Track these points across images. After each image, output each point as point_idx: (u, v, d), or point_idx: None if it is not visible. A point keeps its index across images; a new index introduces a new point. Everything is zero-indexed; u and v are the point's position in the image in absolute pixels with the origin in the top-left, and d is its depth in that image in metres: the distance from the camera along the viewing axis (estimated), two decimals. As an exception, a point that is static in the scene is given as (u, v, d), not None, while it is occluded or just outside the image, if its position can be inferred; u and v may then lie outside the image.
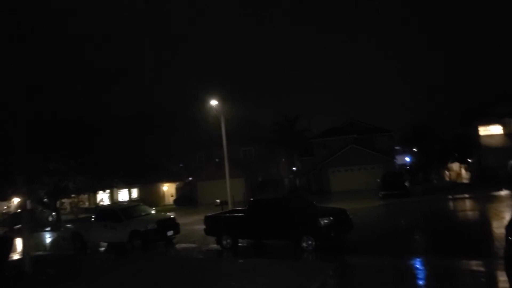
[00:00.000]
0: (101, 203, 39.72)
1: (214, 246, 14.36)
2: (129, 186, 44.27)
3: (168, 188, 49.16)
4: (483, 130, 36.03)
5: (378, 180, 29.38)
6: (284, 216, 12.58)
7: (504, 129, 36.07)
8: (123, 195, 44.61)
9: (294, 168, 47.27)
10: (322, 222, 11.82)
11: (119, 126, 39.79)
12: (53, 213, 30.93)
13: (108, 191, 41.56)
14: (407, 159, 54.91)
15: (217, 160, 36.68)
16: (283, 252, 12.67)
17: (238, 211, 15.17)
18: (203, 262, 12.11)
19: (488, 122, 36.14)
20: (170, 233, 15.94)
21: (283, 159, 49.00)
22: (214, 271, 10.20)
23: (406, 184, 27.76)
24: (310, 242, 11.96)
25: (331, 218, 12.05)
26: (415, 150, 46.93)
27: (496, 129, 36.23)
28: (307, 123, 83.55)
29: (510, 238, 5.61)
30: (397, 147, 52.49)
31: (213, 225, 14.49)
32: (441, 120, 40.68)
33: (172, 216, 17.21)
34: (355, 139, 41.44)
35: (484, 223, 15.87)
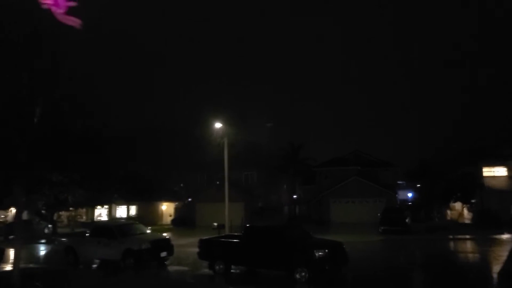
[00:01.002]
0: (99, 218, 39.50)
1: (207, 270, 14.11)
2: (128, 203, 44.09)
3: (167, 208, 48.84)
4: (487, 171, 35.77)
5: (379, 215, 29.04)
6: (279, 245, 12.38)
7: (508, 171, 35.79)
8: (121, 211, 44.36)
9: (295, 196, 46.94)
10: (317, 254, 11.62)
11: (122, 141, 39.99)
12: (50, 225, 30.73)
13: (106, 206, 41.39)
14: (410, 194, 54.41)
15: (218, 182, 36.51)
16: (276, 282, 12.43)
17: (234, 237, 14.97)
18: (193, 287, 11.88)
19: (493, 163, 35.92)
20: (163, 254, 15.74)
21: (285, 186, 48.71)
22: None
23: (407, 220, 27.40)
24: (303, 273, 11.72)
25: (326, 250, 11.85)
26: (419, 186, 46.59)
27: (500, 171, 35.96)
28: (311, 151, 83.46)
29: (500, 286, 5.45)
30: (400, 182, 52.14)
31: (207, 249, 14.29)
32: (447, 158, 40.55)
33: (167, 237, 17.03)
34: (359, 171, 41.25)
35: (483, 267, 15.54)
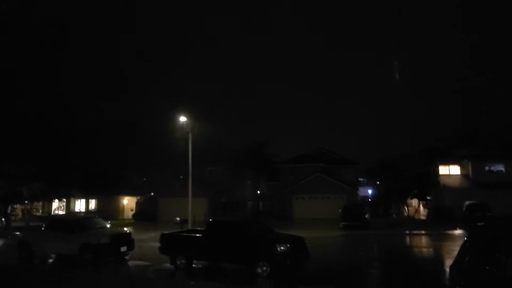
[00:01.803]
0: (56, 212, 38.17)
1: (168, 265, 13.96)
2: (87, 196, 42.86)
3: (128, 202, 47.87)
4: (443, 170, 37.38)
5: (340, 211, 29.70)
6: (241, 240, 12.42)
7: (462, 170, 37.57)
8: (80, 205, 43.05)
9: (258, 192, 47.19)
10: (279, 249, 11.74)
11: (84, 134, 38.83)
12: (3, 219, 29.41)
13: (64, 200, 40.07)
14: (370, 191, 56.01)
15: (181, 177, 36.11)
16: (237, 276, 12.46)
17: (196, 231, 14.88)
18: (152, 282, 11.73)
19: (448, 162, 37.56)
20: (123, 248, 15.41)
21: (249, 182, 48.83)
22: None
23: (367, 216, 28.18)
24: (265, 268, 11.82)
25: (288, 245, 12.00)
26: (378, 183, 48.08)
27: (454, 170, 37.68)
28: (277, 148, 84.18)
29: (452, 279, 5.72)
30: (361, 179, 53.56)
31: (169, 244, 14.11)
32: (406, 156, 42.02)
33: (127, 232, 16.68)
34: (322, 168, 41.98)
35: (436, 261, 16.23)
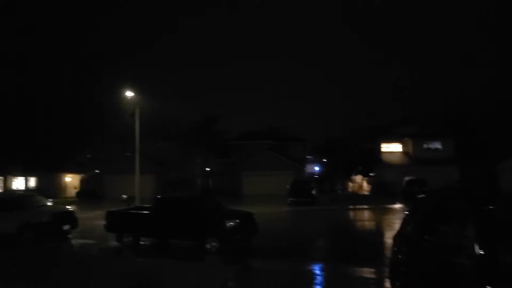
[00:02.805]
0: (-8, 190, 35.91)
1: (114, 243, 13.62)
2: (25, 174, 40.62)
3: (71, 180, 46.00)
4: (385, 147, 39.17)
5: (288, 187, 30.36)
6: (190, 216, 12.35)
7: (403, 147, 39.59)
8: (18, 183, 40.78)
9: (208, 169, 47.10)
10: (227, 225, 11.81)
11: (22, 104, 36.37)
12: None
13: (2, 178, 37.77)
14: (317, 168, 57.72)
15: (128, 154, 35.10)
16: (186, 252, 12.42)
17: (144, 208, 14.58)
18: (97, 259, 11.41)
19: (390, 140, 39.37)
20: (66, 227, 14.83)
21: (199, 159, 48.56)
22: (107, 268, 9.63)
23: (313, 192, 29.02)
24: (214, 244, 11.87)
25: (237, 221, 12.08)
26: (325, 160, 49.59)
27: (396, 147, 39.61)
28: (228, 125, 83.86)
29: (395, 248, 6.02)
30: (309, 156, 54.99)
31: (115, 221, 13.74)
32: (351, 134, 43.57)
33: (70, 209, 16.04)
34: (271, 145, 42.50)
35: (378, 233, 17.11)
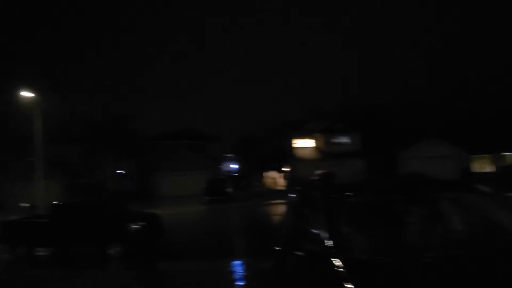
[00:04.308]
0: None
1: (7, 256, 12.47)
2: None
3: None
4: (298, 143, 40.77)
5: (203, 186, 30.28)
6: (89, 221, 11.69)
7: (316, 142, 41.49)
8: None
9: (122, 171, 45.22)
10: (130, 228, 11.41)
11: None
12: None
13: None
14: (235, 166, 58.35)
15: (30, 159, 32.41)
16: (86, 259, 11.80)
17: (42, 216, 13.56)
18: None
19: (301, 136, 41.05)
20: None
21: (111, 161, 46.36)
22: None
23: (228, 190, 29.31)
24: (117, 248, 11.40)
25: (142, 223, 11.73)
26: (242, 157, 50.35)
27: (308, 143, 41.38)
28: (144, 124, 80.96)
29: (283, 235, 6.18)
30: (229, 155, 55.40)
31: (7, 232, 12.60)
32: (266, 131, 44.68)
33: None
34: (188, 145, 42.05)
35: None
